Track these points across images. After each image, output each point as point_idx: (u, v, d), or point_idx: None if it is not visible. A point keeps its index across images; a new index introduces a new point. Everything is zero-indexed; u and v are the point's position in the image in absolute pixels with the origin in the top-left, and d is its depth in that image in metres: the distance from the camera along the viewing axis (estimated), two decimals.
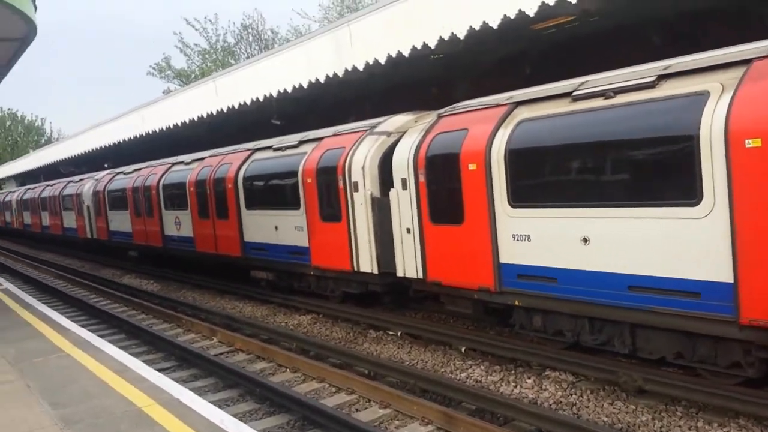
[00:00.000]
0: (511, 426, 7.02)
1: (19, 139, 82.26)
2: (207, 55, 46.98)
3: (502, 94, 8.93)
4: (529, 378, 8.11)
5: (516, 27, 10.85)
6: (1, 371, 7.54)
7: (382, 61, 12.90)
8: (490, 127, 8.37)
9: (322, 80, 15.52)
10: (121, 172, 23.07)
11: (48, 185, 33.96)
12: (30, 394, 6.56)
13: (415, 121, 10.77)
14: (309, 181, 12.06)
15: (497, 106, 8.67)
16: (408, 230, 9.73)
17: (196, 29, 45.30)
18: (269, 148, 14.30)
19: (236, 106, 19.55)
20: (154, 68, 46.28)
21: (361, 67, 13.91)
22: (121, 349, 8.38)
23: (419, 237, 9.52)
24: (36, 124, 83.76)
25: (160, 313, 14.69)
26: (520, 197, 8.02)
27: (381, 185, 10.66)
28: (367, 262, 10.81)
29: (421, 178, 9.35)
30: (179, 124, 22.84)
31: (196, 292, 17.02)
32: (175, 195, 18.21)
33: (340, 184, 11.17)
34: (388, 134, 10.71)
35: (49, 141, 76.83)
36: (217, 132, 26.01)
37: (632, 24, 12.05)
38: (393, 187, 10.05)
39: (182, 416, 5.47)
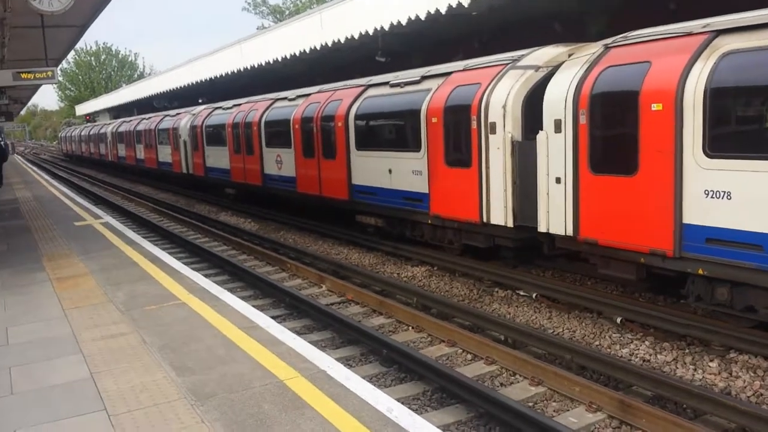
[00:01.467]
0: (703, 420, 5.83)
1: (113, 73, 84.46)
2: None
3: (694, 21, 7.38)
4: (711, 361, 6.83)
5: None
6: (111, 320, 6.80)
7: None
8: (684, 60, 6.89)
9: (443, 10, 14.14)
10: (220, 107, 22.55)
11: (143, 118, 34.18)
12: (148, 353, 5.70)
13: (569, 55, 9.31)
14: (434, 120, 10.88)
15: (689, 35, 7.15)
16: (558, 180, 8.45)
17: None
18: (385, 84, 13.14)
19: (342, 41, 18.47)
20: (249, 3, 45.61)
21: None
22: (242, 300, 7.56)
23: (573, 188, 8.23)
24: (129, 59, 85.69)
25: (262, 254, 14.07)
26: (721, 146, 6.59)
27: (524, 128, 9.36)
28: (500, 214, 9.63)
29: (582, 120, 8.00)
30: (280, 59, 22.00)
31: (296, 234, 16.34)
32: (278, 132, 17.43)
33: (474, 125, 9.94)
34: (536, 68, 9.33)
35: (141, 76, 78.53)
36: (316, 70, 25.12)
37: None
38: (541, 129, 8.74)
39: (337, 398, 4.45)
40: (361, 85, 14.06)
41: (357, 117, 13.49)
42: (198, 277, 8.69)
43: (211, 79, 29.63)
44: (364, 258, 13.07)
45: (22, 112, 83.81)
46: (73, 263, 9.65)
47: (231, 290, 10.94)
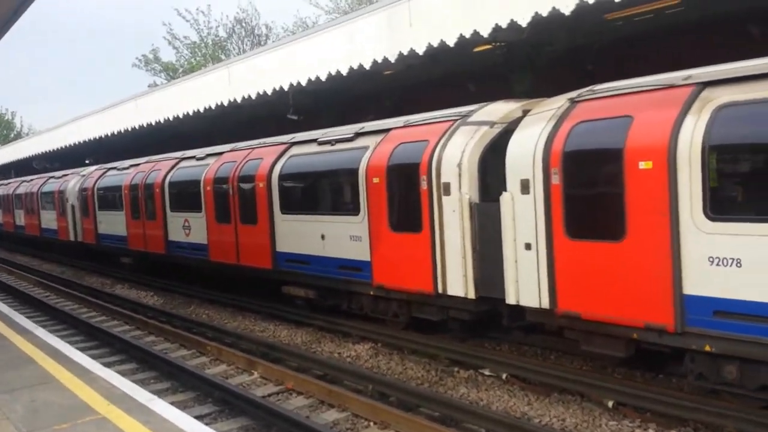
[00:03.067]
0: None
1: None
2: (197, 49, 44.36)
3: (671, 73, 6.87)
4: None
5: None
6: None
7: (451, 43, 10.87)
8: (673, 114, 6.29)
9: (367, 66, 13.39)
10: (114, 168, 20.55)
11: (23, 181, 31.09)
12: None
13: (523, 111, 8.66)
14: (375, 181, 9.87)
15: (671, 87, 6.60)
16: (528, 246, 7.60)
17: (187, 21, 42.71)
18: (312, 141, 12.06)
19: (253, 96, 17.30)
20: (140, 60, 43.47)
21: (422, 51, 11.90)
22: (173, 406, 6.03)
23: (547, 255, 7.39)
24: (6, 118, 79.78)
25: (173, 334, 12.32)
26: (725, 207, 5.96)
27: (480, 188, 8.53)
28: (458, 284, 8.64)
29: (555, 180, 7.24)
30: (181, 115, 20.41)
31: (209, 308, 14.63)
32: (185, 195, 15.82)
33: (423, 185, 9.00)
34: (491, 124, 8.58)
35: (19, 136, 73.08)
36: (217, 127, 23.73)
37: None
38: (504, 190, 7.92)
39: None
40: (284, 143, 12.90)
41: (282, 177, 12.27)
42: (114, 377, 7.03)
43: (99, 137, 27.38)
44: (295, 335, 11.64)
45: None
46: None
47: (143, 381, 9.29)
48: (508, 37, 12.94)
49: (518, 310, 8.14)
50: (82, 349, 11.13)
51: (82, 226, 21.98)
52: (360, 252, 10.38)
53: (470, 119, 8.91)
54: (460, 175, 8.47)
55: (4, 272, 23.85)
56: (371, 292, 10.37)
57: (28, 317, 12.77)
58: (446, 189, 8.67)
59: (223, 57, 42.34)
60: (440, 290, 8.95)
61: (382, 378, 8.81)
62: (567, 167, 7.15)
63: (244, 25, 45.03)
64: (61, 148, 32.08)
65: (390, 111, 16.93)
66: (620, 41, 12.94)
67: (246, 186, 13.25)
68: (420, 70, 14.88)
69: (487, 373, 8.66)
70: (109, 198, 19.82)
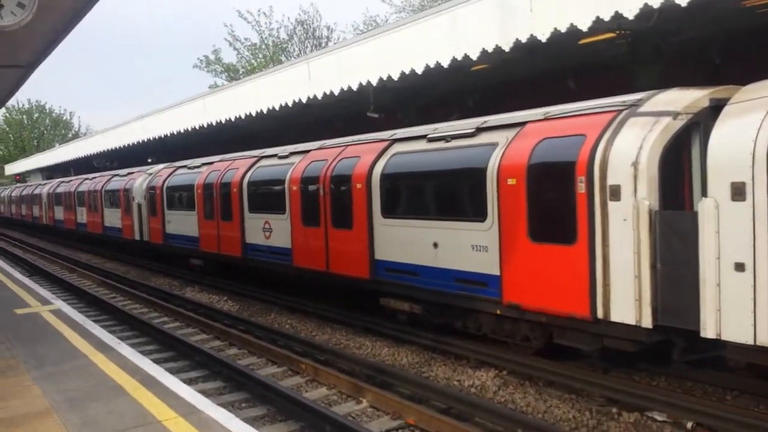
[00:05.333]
0: None
1: (45, 132, 79.77)
2: (258, 51, 43.76)
3: None
4: None
5: None
6: None
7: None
8: None
9: (474, 57, 12.08)
10: (184, 166, 19.60)
11: (85, 179, 30.65)
12: None
13: (711, 99, 7.13)
14: (511, 183, 8.43)
15: None
16: (740, 266, 6.05)
17: (248, 22, 42.11)
18: (420, 137, 10.71)
19: (336, 92, 16.12)
20: (201, 61, 43.09)
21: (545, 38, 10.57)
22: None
23: None
24: (64, 118, 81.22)
25: (257, 347, 11.09)
26: None
27: (662, 193, 7.01)
28: (628, 309, 7.12)
29: None
30: (254, 113, 19.38)
31: (291, 317, 13.37)
32: (266, 195, 14.67)
33: (580, 188, 7.53)
34: (674, 115, 7.06)
35: (76, 136, 74.16)
36: (286, 127, 22.74)
37: None
38: (704, 196, 6.40)
39: None
40: (384, 140, 11.59)
41: (384, 178, 10.94)
42: (232, 421, 5.68)
43: (163, 136, 26.70)
44: (398, 355, 10.25)
45: None
46: (25, 388, 6.49)
47: (233, 405, 8.05)
48: (632, 25, 11.57)
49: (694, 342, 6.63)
50: (159, 361, 10.01)
51: (148, 225, 21.11)
52: (485, 264, 8.94)
53: (642, 109, 7.41)
54: (635, 177, 6.97)
55: (66, 270, 23.20)
56: (498, 311, 8.91)
57: (101, 325, 11.73)
58: (614, 193, 7.17)
59: (283, 59, 41.64)
60: (599, 315, 7.43)
61: (524, 418, 7.34)
62: None
63: (305, 26, 44.27)
64: (123, 146, 31.63)
65: (473, 111, 15.63)
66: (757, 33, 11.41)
67: (340, 187, 11.98)
68: (512, 67, 13.57)
69: (658, 418, 7.11)
70: (180, 197, 18.86)
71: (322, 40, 44.51)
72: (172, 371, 9.18)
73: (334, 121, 21.27)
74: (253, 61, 44.41)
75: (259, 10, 46.29)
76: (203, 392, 8.37)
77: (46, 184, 39.51)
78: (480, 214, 9.00)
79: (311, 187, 12.79)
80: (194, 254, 18.25)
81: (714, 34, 11.73)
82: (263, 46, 43.95)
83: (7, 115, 76.46)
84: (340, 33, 45.23)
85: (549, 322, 8.28)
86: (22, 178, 61.94)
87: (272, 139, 21.30)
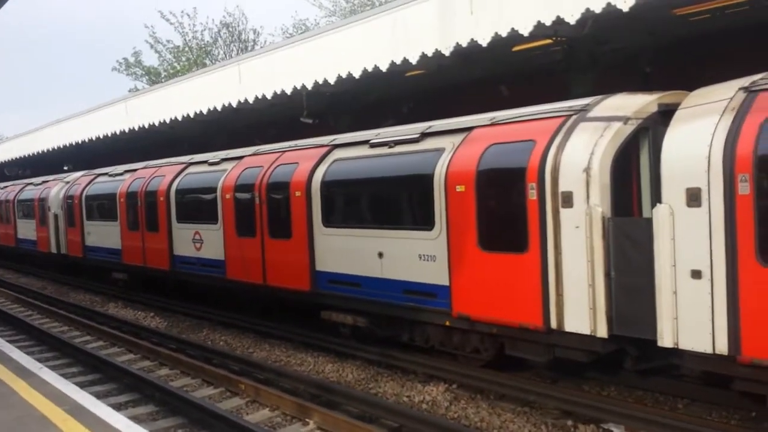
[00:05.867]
0: None
1: None
2: (181, 54, 42.28)
3: None
4: None
5: None
6: None
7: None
8: None
9: (413, 60, 11.90)
10: (105, 174, 18.49)
11: None
12: None
13: (659, 104, 7.10)
14: (460, 189, 8.17)
15: None
16: (697, 273, 5.98)
17: (171, 23, 40.64)
18: (361, 143, 10.35)
19: (269, 96, 15.58)
20: (120, 63, 41.22)
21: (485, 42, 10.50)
22: None
23: (727, 286, 5.78)
24: None
25: (190, 366, 10.42)
26: None
27: (613, 200, 6.90)
28: (581, 318, 6.96)
29: (743, 189, 5.64)
30: (180, 117, 18.50)
31: (225, 333, 12.70)
32: (196, 203, 13.94)
33: (531, 195, 7.34)
34: (624, 120, 6.97)
35: None
36: (213, 131, 21.91)
37: None
38: (659, 201, 6.32)
39: None
40: (324, 145, 11.17)
41: (325, 185, 10.50)
42: None
43: (80, 142, 25.26)
44: (343, 371, 9.81)
45: None
46: None
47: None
48: (569, 32, 11.66)
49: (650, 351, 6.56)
50: (84, 385, 9.27)
51: (66, 237, 19.80)
52: (433, 274, 8.66)
53: (591, 114, 7.30)
54: (588, 183, 6.83)
55: None
56: (447, 323, 8.64)
57: (17, 346, 10.77)
58: (566, 200, 7.02)
59: (207, 62, 40.44)
60: (553, 325, 7.26)
61: None
62: (762, 173, 5.57)
63: (230, 29, 43.17)
64: (37, 153, 29.79)
65: (408, 117, 15.49)
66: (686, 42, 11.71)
67: (277, 195, 11.45)
68: (447, 73, 13.48)
69: (615, 430, 6.99)
70: (101, 207, 17.75)
71: (249, 43, 43.53)
72: (100, 396, 8.46)
73: (266, 128, 20.62)
74: (176, 64, 42.88)
75: (182, 12, 44.80)
76: (135, 418, 7.75)
77: None
78: (427, 223, 8.71)
79: (246, 196, 12.20)
80: (117, 267, 17.19)
81: (644, 42, 11.93)
82: (186, 49, 42.52)
83: None
84: (268, 36, 44.44)
85: (500, 333, 8.06)
86: None
87: (199, 145, 20.47)
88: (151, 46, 42.28)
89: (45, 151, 28.79)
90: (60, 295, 18.37)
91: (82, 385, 8.92)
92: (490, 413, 7.77)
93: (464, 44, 10.99)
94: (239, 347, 11.70)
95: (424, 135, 9.28)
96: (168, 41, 42.00)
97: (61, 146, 27.03)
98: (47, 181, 22.65)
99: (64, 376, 8.90)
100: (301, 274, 10.91)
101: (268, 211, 11.67)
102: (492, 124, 8.37)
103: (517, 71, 13.98)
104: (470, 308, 8.19)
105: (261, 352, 11.27)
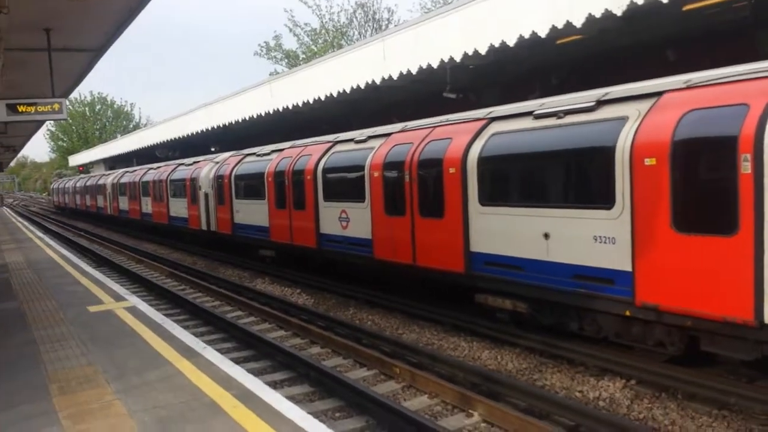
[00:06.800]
0: None
1: (107, 123, 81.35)
2: (317, 36, 43.02)
3: None
4: None
5: None
6: None
7: None
8: None
9: (578, 24, 10.96)
10: (253, 154, 18.89)
11: (150, 168, 30.51)
12: None
13: None
14: (649, 163, 7.21)
15: None
16: None
17: (309, 6, 41.44)
18: (524, 114, 9.55)
19: (414, 71, 15.11)
20: (262, 47, 42.62)
21: None
22: None
23: None
24: (125, 109, 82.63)
25: (341, 345, 10.19)
26: None
27: None
28: None
29: None
30: (323, 97, 18.54)
31: (372, 312, 12.45)
32: (343, 182, 13.77)
33: (744, 167, 6.27)
34: None
35: (137, 126, 75.37)
36: (354, 112, 21.81)
37: None
38: None
39: None
40: (478, 119, 10.48)
41: (482, 161, 9.83)
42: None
43: (226, 124, 26.21)
44: (501, 358, 9.18)
45: (12, 163, 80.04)
46: (107, 405, 5.66)
47: (326, 414, 7.17)
48: None
49: None
50: (238, 361, 9.29)
51: (216, 215, 20.56)
52: (612, 258, 7.76)
53: None
54: None
55: (132, 261, 22.93)
56: (627, 312, 7.72)
57: (173, 319, 11.04)
58: None
59: (344, 43, 40.83)
60: (767, 320, 6.19)
61: None
62: None
63: (365, 9, 43.30)
64: (186, 135, 31.40)
65: (558, 89, 14.41)
66: None
67: (429, 172, 10.94)
68: (604, 39, 12.27)
69: None
70: (249, 186, 18.17)
71: (383, 23, 43.52)
72: (256, 374, 8.37)
73: (404, 105, 20.25)
74: (313, 46, 43.73)
75: None
76: (292, 398, 7.55)
77: (110, 174, 39.84)
78: (605, 200, 7.81)
79: (395, 173, 11.79)
80: (264, 245, 17.54)
81: None
82: (323, 31, 43.22)
83: (70, 107, 78.20)
84: (403, 13, 44.13)
85: (696, 326, 7.06)
86: (85, 169, 63.23)
87: (338, 125, 20.45)
88: (290, 30, 43.44)
89: (193, 133, 30.29)
90: (210, 270, 19.07)
91: (237, 361, 8.99)
92: (681, 415, 6.85)
93: (641, 2, 9.91)
94: (388, 327, 11.38)
95: (601, 103, 8.34)
96: (306, 24, 42.94)
97: (209, 129, 28.28)
98: (198, 162, 23.67)
99: (220, 351, 8.98)
100: (454, 255, 10.35)
101: (419, 189, 11.19)
102: (688, 88, 7.30)
103: (684, 34, 12.57)
104: (658, 297, 7.24)
105: (411, 334, 10.87)
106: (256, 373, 9.13)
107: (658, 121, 7.28)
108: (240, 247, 19.60)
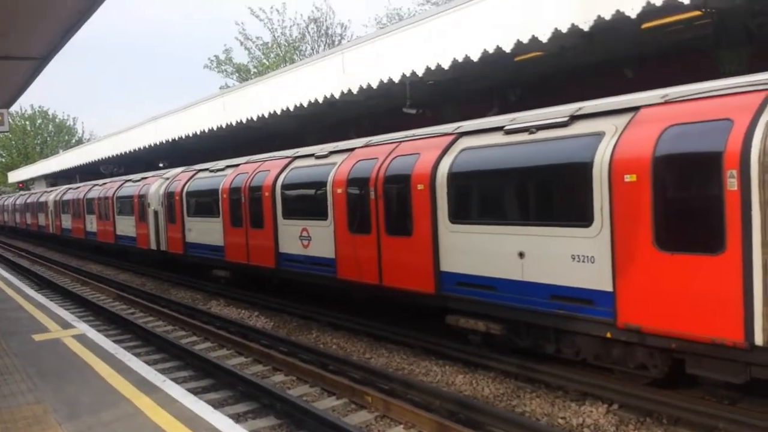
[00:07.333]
0: None
1: (48, 138, 78.49)
2: (269, 50, 42.41)
3: None
4: None
5: None
6: None
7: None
8: None
9: (544, 39, 10.85)
10: (206, 170, 18.18)
11: (95, 185, 29.24)
12: None
13: None
14: (629, 179, 6.98)
15: None
16: None
17: (260, 20, 40.81)
18: (493, 130, 9.29)
19: (374, 86, 14.77)
20: (212, 61, 41.74)
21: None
22: None
23: None
24: (67, 124, 79.87)
25: (308, 373, 9.67)
26: None
27: None
28: None
29: None
30: (279, 111, 18.01)
31: (335, 335, 11.95)
32: (303, 199, 13.29)
33: (730, 184, 6.09)
34: None
35: (80, 141, 72.90)
36: (308, 127, 21.38)
37: None
38: None
39: None
40: (448, 134, 10.20)
41: (452, 177, 9.52)
42: None
43: (175, 139, 25.36)
44: (476, 383, 8.81)
45: None
46: None
47: None
48: (720, 3, 10.30)
49: None
50: (196, 391, 8.69)
51: (166, 234, 19.69)
52: (591, 278, 7.52)
53: None
54: None
55: (77, 283, 21.79)
56: (608, 334, 7.47)
57: (123, 346, 10.28)
58: None
59: (296, 58, 40.34)
60: (758, 341, 6.00)
61: None
62: None
63: (318, 24, 42.95)
64: (133, 150, 30.30)
65: (516, 106, 14.39)
66: None
67: (395, 188, 10.57)
68: (565, 56, 12.30)
69: None
70: (202, 203, 17.45)
71: (335, 38, 43.24)
72: (216, 405, 7.78)
73: (360, 120, 19.92)
74: (265, 60, 43.06)
75: (271, 8, 44.93)
76: None
77: (52, 191, 38.14)
78: (583, 218, 7.57)
79: (359, 190, 11.38)
80: (219, 264, 16.83)
81: None
82: (275, 45, 42.63)
83: (10, 121, 75.11)
84: (356, 29, 44.02)
85: (681, 348, 6.84)
86: (25, 185, 60.73)
87: (292, 140, 19.96)
88: (241, 43, 42.70)
89: (140, 148, 29.21)
90: (161, 292, 18.22)
91: (195, 392, 8.39)
92: None
93: (608, 17, 9.82)
94: (354, 352, 10.91)
95: (574, 118, 8.14)
96: (257, 38, 42.30)
97: (157, 143, 27.31)
98: (146, 178, 22.73)
99: (177, 381, 8.35)
100: (423, 274, 9.98)
101: (385, 206, 10.80)
102: (666, 102, 7.14)
103: (643, 52, 12.67)
104: (641, 318, 7.01)
105: (379, 358, 10.42)
106: (217, 404, 8.55)
107: (637, 136, 7.09)
108: (192, 267, 18.80)
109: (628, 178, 7.01)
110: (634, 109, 7.46)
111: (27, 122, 76.25)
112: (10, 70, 12.23)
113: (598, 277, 7.43)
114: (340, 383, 9.04)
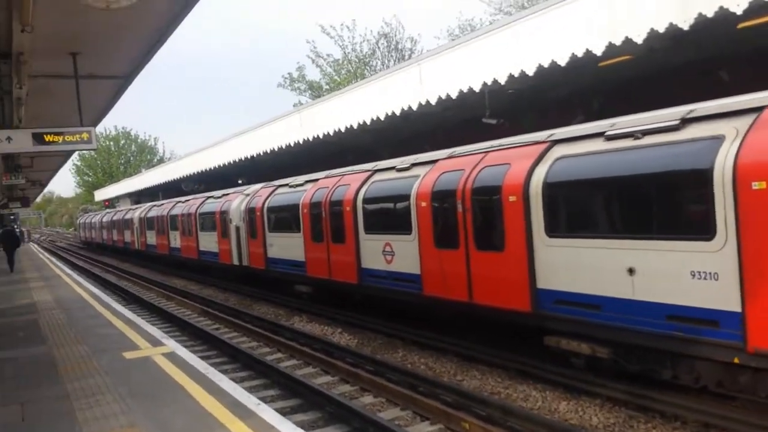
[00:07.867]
0: None
1: (132, 158, 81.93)
2: (340, 66, 42.69)
3: None
4: None
5: None
6: None
7: None
8: None
9: (639, 41, 10.18)
10: (285, 185, 18.19)
11: (178, 202, 30.00)
12: None
13: None
14: (758, 187, 6.28)
15: None
16: None
17: (331, 37, 41.14)
18: (594, 136, 8.66)
19: (454, 96, 14.35)
20: (285, 79, 42.33)
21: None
22: None
23: None
24: (149, 144, 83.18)
25: (398, 395, 9.25)
26: None
27: None
28: None
29: None
30: (356, 125, 17.84)
31: (422, 354, 11.50)
32: (385, 213, 12.97)
33: None
34: None
35: (161, 161, 75.67)
36: (382, 141, 21.14)
37: None
38: None
39: None
40: (538, 142, 9.63)
41: (547, 186, 8.96)
42: None
43: (254, 156, 25.63)
44: (582, 411, 8.16)
45: (39, 199, 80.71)
46: None
47: None
48: None
49: None
50: (285, 412, 8.41)
51: (248, 249, 19.82)
52: (715, 297, 6.80)
53: None
54: None
55: (163, 298, 22.26)
56: (736, 359, 6.73)
57: (210, 362, 10.18)
58: None
59: (367, 73, 40.42)
60: None
61: None
62: None
63: (388, 39, 42.91)
64: (213, 168, 30.96)
65: (598, 113, 13.64)
66: None
67: (485, 201, 10.09)
68: (652, 59, 11.54)
69: None
70: (283, 218, 17.44)
71: (405, 52, 43.08)
72: (306, 427, 7.48)
73: (434, 133, 19.50)
74: (336, 77, 43.40)
75: (341, 24, 45.32)
76: None
77: (137, 208, 39.51)
78: (703, 231, 6.87)
79: (445, 203, 10.95)
80: (300, 280, 16.72)
81: None
82: (346, 62, 42.89)
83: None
84: (426, 42, 43.81)
85: None
86: (111, 203, 63.40)
87: (364, 155, 19.73)
88: (312, 61, 43.14)
89: (219, 166, 29.79)
90: (244, 307, 18.27)
91: (284, 412, 8.13)
92: None
93: (710, 14, 9.06)
94: (444, 373, 10.43)
95: (686, 121, 7.45)
96: (328, 55, 42.68)
97: (236, 161, 27.77)
98: (227, 194, 23.05)
99: (265, 401, 8.11)
100: (518, 292, 9.43)
101: (474, 219, 10.32)
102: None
103: (738, 52, 11.73)
104: None
105: (471, 380, 9.90)
106: (307, 426, 8.31)
107: (765, 139, 6.36)
108: (274, 282, 18.81)
109: (756, 185, 6.30)
110: (757, 109, 6.73)
111: (111, 143, 79.89)
112: (95, 89, 12.56)
113: (723, 296, 6.71)
114: (433, 407, 8.58)
